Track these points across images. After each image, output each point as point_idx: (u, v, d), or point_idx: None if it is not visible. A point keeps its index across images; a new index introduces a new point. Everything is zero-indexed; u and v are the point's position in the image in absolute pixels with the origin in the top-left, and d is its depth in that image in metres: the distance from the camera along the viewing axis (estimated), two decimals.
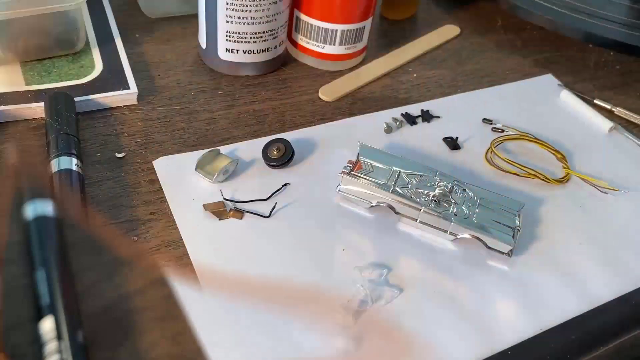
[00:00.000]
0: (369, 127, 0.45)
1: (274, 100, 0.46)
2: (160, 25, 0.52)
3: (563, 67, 0.55)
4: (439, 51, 0.55)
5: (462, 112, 0.48)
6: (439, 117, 0.47)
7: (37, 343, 0.29)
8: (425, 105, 0.48)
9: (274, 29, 0.46)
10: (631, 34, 0.53)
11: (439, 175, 0.39)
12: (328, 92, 0.47)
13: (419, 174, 0.38)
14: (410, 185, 0.38)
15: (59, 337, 0.28)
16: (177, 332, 0.32)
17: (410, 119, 0.46)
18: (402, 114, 0.47)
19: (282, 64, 0.50)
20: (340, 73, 0.50)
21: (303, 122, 0.45)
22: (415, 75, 0.52)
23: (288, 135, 0.43)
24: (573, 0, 0.57)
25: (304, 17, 0.48)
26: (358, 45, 0.50)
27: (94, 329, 0.31)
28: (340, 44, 0.49)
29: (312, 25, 0.48)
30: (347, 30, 0.48)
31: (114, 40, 0.47)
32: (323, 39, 0.48)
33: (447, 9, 0.61)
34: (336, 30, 0.48)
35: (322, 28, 0.47)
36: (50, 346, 0.28)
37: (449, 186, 0.38)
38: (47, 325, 0.29)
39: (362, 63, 0.52)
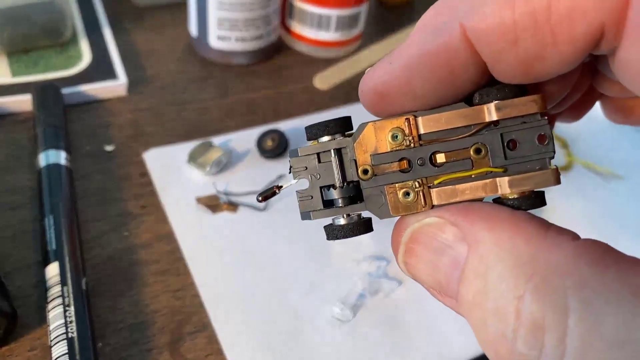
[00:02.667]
0: (366, 116, 0.44)
1: (267, 89, 0.45)
2: (150, 13, 0.50)
3: None
4: None
5: None
6: None
7: (42, 286, 0.29)
8: None
9: (267, 15, 0.45)
10: None
11: None
12: (323, 80, 0.46)
13: None
14: None
15: (62, 282, 0.29)
16: (179, 287, 0.31)
17: None
18: None
19: (275, 52, 0.48)
20: (336, 60, 0.49)
21: (298, 111, 0.44)
22: None
23: (282, 125, 0.42)
24: None
25: (297, 2, 0.46)
26: (353, 32, 0.48)
27: (97, 277, 0.31)
28: (336, 30, 0.47)
29: (306, 10, 0.46)
30: (343, 16, 0.47)
31: (102, 30, 0.46)
32: (317, 24, 0.47)
33: None
34: (331, 16, 0.46)
35: (317, 14, 0.46)
36: (54, 290, 0.28)
37: None
38: (52, 270, 0.29)
39: (358, 50, 0.50)
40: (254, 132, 0.40)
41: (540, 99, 0.15)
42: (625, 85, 0.14)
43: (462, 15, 0.14)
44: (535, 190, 0.15)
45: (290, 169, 0.17)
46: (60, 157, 0.35)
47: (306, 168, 0.17)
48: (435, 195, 0.15)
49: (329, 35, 0.47)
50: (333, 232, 0.16)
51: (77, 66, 0.42)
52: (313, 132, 0.17)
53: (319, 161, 0.17)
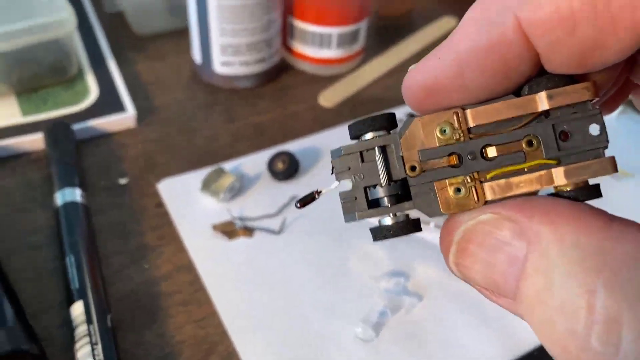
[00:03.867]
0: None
1: (273, 110, 0.46)
2: (152, 42, 0.51)
3: None
4: (437, 44, 0.54)
5: None
6: None
7: (68, 326, 0.29)
8: None
9: (269, 38, 0.45)
10: None
11: None
12: (328, 98, 0.47)
13: None
14: None
15: (88, 320, 0.29)
16: (202, 317, 0.31)
17: (413, 117, 0.46)
18: (407, 114, 0.46)
19: (279, 72, 0.49)
20: (339, 77, 0.49)
21: (305, 130, 0.44)
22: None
23: (291, 146, 0.42)
24: None
25: (298, 22, 0.47)
26: (355, 47, 0.49)
27: (121, 312, 0.31)
28: (337, 47, 0.48)
29: (306, 30, 0.47)
30: (343, 33, 0.47)
31: (107, 62, 0.47)
32: (319, 43, 0.47)
33: (444, 2, 0.60)
34: (332, 34, 0.47)
35: (317, 33, 0.47)
36: (80, 329, 0.29)
37: None
38: (77, 309, 0.29)
39: (360, 64, 0.51)
40: (264, 155, 0.41)
41: (592, 86, 0.14)
42: None
43: (515, 6, 0.14)
44: (590, 181, 0.15)
45: (332, 170, 0.16)
46: (76, 194, 0.35)
47: (349, 168, 0.16)
48: (488, 190, 0.15)
49: (330, 52, 0.48)
50: (381, 233, 0.16)
51: (85, 101, 0.43)
52: (357, 128, 0.16)
53: (363, 160, 0.16)
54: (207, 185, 0.38)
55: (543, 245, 0.13)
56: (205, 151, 0.42)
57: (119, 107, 0.43)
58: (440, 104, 0.15)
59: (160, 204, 0.38)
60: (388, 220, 0.16)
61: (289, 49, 0.49)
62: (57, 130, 0.39)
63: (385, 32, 0.56)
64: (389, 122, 0.16)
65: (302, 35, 0.47)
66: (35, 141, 0.40)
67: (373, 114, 0.16)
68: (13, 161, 0.39)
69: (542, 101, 0.14)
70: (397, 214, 0.16)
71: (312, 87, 0.48)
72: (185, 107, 0.45)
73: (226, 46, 0.44)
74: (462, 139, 0.15)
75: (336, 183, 0.16)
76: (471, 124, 0.15)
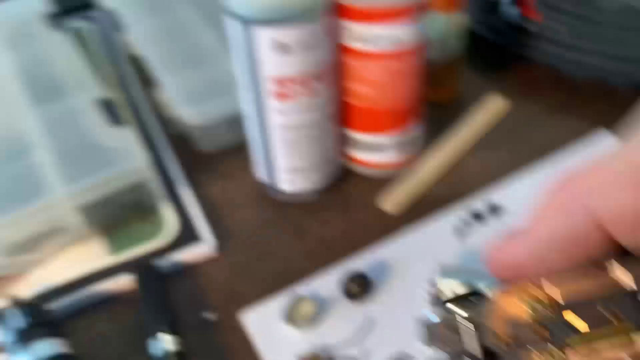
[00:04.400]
0: (438, 234, 0.46)
1: (339, 220, 0.47)
2: (218, 158, 0.54)
3: (618, 119, 0.54)
4: (491, 131, 0.55)
5: (527, 196, 0.48)
6: (505, 207, 0.47)
7: None
8: (490, 196, 0.48)
9: (331, 155, 0.47)
10: None
11: None
12: (390, 203, 0.48)
13: None
14: None
15: None
16: None
17: (478, 216, 0.47)
18: (470, 212, 0.47)
19: (341, 180, 0.51)
20: (398, 177, 0.51)
21: (372, 239, 0.46)
22: (472, 163, 0.52)
23: (361, 262, 0.44)
24: (618, 49, 0.56)
25: (352, 133, 0.49)
26: (412, 150, 0.50)
27: None
28: (395, 151, 0.49)
29: (364, 140, 0.49)
30: (400, 140, 0.49)
31: (181, 191, 0.50)
32: (378, 149, 0.49)
33: (488, 77, 0.61)
34: (387, 142, 0.48)
35: (376, 142, 0.48)
36: None
37: None
38: None
39: (417, 160, 0.52)
40: (336, 273, 0.42)
41: None
42: None
43: (591, 199, 0.15)
44: None
45: (424, 339, 0.17)
46: (169, 342, 0.38)
47: (440, 338, 0.17)
48: (577, 356, 0.16)
49: (388, 157, 0.49)
50: None
51: (166, 234, 0.46)
52: (447, 306, 0.17)
53: (452, 331, 0.17)
54: (291, 316, 0.40)
55: None
56: (280, 274, 0.44)
57: (198, 237, 0.46)
58: (526, 275, 0.16)
59: (245, 338, 0.40)
60: None
61: (346, 154, 0.51)
62: (146, 272, 0.42)
63: (436, 120, 0.57)
64: (474, 292, 0.17)
65: (358, 144, 0.49)
66: (125, 283, 0.43)
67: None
68: (104, 304, 0.42)
69: (632, 282, 0.15)
70: None
71: (372, 191, 0.50)
72: (257, 227, 0.48)
73: (289, 169, 0.46)
74: (551, 313, 0.16)
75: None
76: (559, 299, 0.16)
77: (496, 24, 0.61)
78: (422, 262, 0.43)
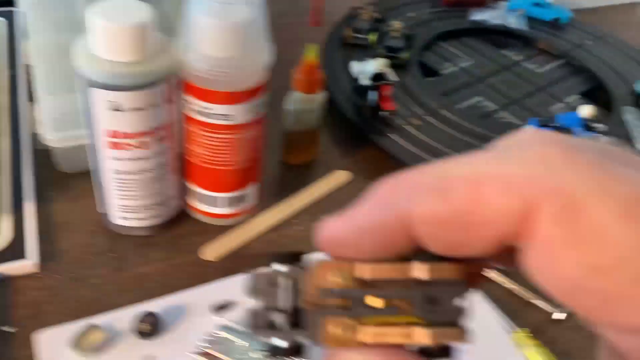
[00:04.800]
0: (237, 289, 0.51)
1: (161, 261, 0.53)
2: (75, 180, 0.58)
3: None
4: (328, 199, 0.61)
5: None
6: None
7: None
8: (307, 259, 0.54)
9: (165, 199, 0.52)
10: None
11: None
12: (211, 251, 0.54)
13: None
14: None
15: None
16: None
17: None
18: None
19: (176, 221, 0.56)
20: (230, 228, 0.56)
21: (184, 284, 0.51)
22: (301, 227, 0.58)
23: (165, 301, 0.49)
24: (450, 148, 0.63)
25: (191, 185, 0.54)
26: (244, 206, 0.56)
27: None
28: (227, 207, 0.55)
29: (199, 192, 0.54)
30: (232, 197, 0.54)
31: (26, 205, 0.54)
32: (211, 202, 0.54)
33: (345, 153, 0.68)
34: (221, 197, 0.54)
35: (205, 194, 0.54)
36: None
37: None
38: None
39: (253, 216, 0.58)
40: (135, 310, 0.47)
41: (461, 269, 0.18)
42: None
43: (406, 200, 0.17)
44: (446, 343, 0.18)
45: (246, 289, 0.20)
46: None
47: (260, 290, 0.20)
48: (365, 334, 0.18)
49: (221, 210, 0.55)
50: (273, 351, 0.19)
51: None
52: (271, 260, 0.20)
53: (272, 286, 0.20)
54: (77, 343, 0.44)
55: None
56: (90, 300, 0.48)
57: (24, 251, 0.50)
58: (344, 254, 0.19)
59: (31, 357, 0.44)
60: (280, 342, 0.19)
61: (184, 200, 0.56)
62: None
63: (284, 181, 0.63)
64: (300, 260, 0.20)
65: (195, 194, 0.55)
66: None
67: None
68: None
69: (422, 272, 0.18)
70: (290, 339, 0.19)
71: (202, 238, 0.55)
72: (83, 253, 0.52)
73: (122, 206, 0.51)
74: (354, 287, 0.19)
75: (250, 301, 0.20)
76: (364, 276, 0.19)
77: (358, 105, 0.68)
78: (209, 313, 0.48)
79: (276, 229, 0.58)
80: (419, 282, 0.18)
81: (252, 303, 0.20)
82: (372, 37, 0.77)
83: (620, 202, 0.14)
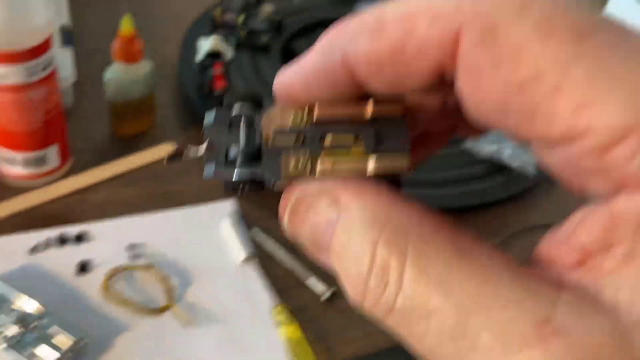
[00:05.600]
0: (17, 246, 0.53)
1: None
2: None
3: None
4: (145, 169, 0.62)
5: (119, 235, 0.55)
6: (93, 240, 0.54)
7: None
8: (92, 226, 0.55)
9: None
10: None
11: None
12: (1, 209, 0.55)
13: None
14: None
15: None
16: None
17: (62, 241, 0.54)
18: (58, 235, 0.54)
19: None
20: (30, 190, 0.57)
21: None
22: (104, 194, 0.59)
23: None
24: None
25: None
26: (45, 168, 0.57)
27: None
28: (25, 167, 0.56)
29: None
30: (29, 157, 0.56)
31: None
32: (9, 162, 0.56)
33: (183, 129, 0.69)
34: (18, 157, 0.55)
35: (6, 155, 0.55)
36: None
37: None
38: None
39: (57, 180, 0.59)
40: None
41: (402, 105, 0.20)
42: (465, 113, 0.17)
43: (345, 42, 0.18)
44: (393, 171, 0.20)
45: (203, 130, 0.21)
46: None
47: (217, 130, 0.21)
48: (321, 168, 0.19)
49: (18, 170, 0.56)
50: (230, 185, 0.20)
51: None
52: (231, 98, 0.21)
53: (230, 126, 0.21)
54: None
55: (350, 211, 0.18)
56: None
57: None
58: (297, 99, 0.21)
59: None
60: (240, 176, 0.20)
61: None
62: None
63: (110, 153, 0.64)
64: (258, 101, 0.21)
65: None
66: None
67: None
68: None
69: (368, 109, 0.20)
70: (247, 173, 0.20)
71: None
72: None
73: None
74: (309, 126, 0.20)
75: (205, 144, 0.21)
76: (316, 115, 0.20)
77: (200, 83, 0.69)
78: None
79: (81, 192, 0.59)
80: (366, 121, 0.20)
81: (210, 139, 0.21)
82: (240, 18, 0.78)
83: (535, 19, 0.15)
